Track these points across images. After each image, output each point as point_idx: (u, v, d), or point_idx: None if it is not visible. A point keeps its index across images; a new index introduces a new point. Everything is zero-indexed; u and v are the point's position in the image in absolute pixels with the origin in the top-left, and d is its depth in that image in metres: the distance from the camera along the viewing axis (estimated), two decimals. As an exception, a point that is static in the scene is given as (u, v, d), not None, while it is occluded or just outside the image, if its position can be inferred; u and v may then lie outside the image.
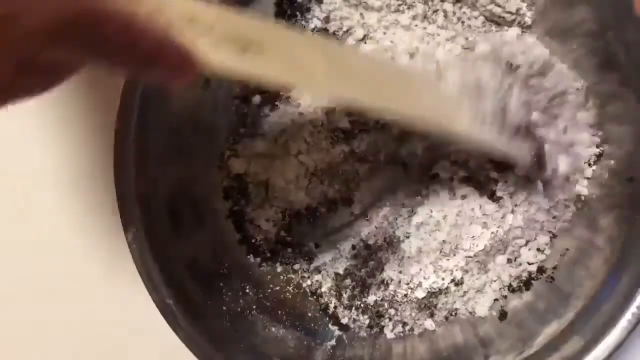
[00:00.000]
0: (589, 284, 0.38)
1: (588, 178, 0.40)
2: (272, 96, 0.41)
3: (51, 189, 0.42)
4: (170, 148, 0.38)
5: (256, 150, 0.41)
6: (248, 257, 0.42)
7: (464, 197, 0.41)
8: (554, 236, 0.40)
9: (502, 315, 0.41)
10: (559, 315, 0.38)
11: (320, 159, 0.40)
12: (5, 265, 0.43)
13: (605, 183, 0.39)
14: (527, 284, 0.41)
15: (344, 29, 0.40)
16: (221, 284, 0.39)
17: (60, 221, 0.43)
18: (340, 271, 0.42)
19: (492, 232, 0.41)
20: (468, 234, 0.41)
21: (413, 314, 0.41)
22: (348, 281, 0.41)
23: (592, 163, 0.40)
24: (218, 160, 0.41)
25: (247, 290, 0.41)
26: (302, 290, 0.42)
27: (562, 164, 0.39)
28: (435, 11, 0.40)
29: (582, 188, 0.40)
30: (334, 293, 0.42)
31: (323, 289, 0.42)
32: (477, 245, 0.41)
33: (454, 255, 0.41)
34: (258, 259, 0.42)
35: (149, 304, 0.35)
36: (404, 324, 0.41)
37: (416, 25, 0.40)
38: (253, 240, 0.42)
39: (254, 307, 0.40)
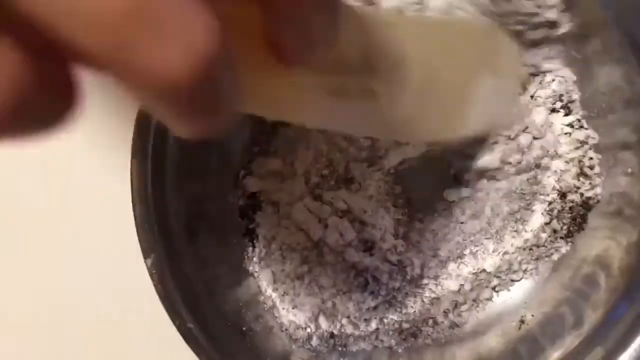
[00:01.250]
0: (610, 292, 0.38)
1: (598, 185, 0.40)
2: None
3: (68, 214, 0.42)
4: (186, 170, 0.37)
5: (269, 169, 0.41)
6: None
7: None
8: (572, 243, 0.40)
9: (520, 323, 0.41)
10: (580, 325, 0.38)
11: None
12: (24, 298, 0.43)
13: (622, 188, 0.39)
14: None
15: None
16: (241, 304, 0.39)
17: (76, 246, 0.43)
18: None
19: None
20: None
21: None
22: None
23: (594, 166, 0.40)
24: (233, 180, 0.41)
25: (265, 309, 0.40)
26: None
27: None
28: None
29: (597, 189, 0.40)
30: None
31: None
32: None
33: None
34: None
35: (170, 329, 0.35)
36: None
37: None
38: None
39: (273, 326, 0.40)
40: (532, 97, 0.40)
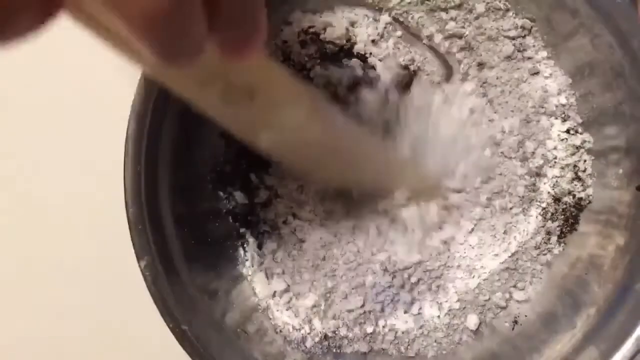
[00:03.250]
0: (602, 292, 0.38)
1: (589, 186, 0.40)
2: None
3: (62, 216, 0.42)
4: (179, 173, 0.38)
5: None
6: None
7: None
8: (565, 244, 0.41)
9: (514, 324, 0.41)
10: (573, 325, 0.38)
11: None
12: (22, 297, 0.43)
13: (613, 190, 0.39)
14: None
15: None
16: (234, 306, 0.39)
17: (71, 248, 0.43)
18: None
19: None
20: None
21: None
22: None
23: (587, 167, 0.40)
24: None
25: (259, 311, 0.41)
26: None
27: None
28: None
29: (588, 190, 0.40)
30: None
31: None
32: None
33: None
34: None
35: (164, 330, 0.35)
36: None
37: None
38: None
39: (267, 328, 0.40)
40: (532, 103, 0.41)
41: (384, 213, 0.40)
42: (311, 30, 0.40)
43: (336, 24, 0.40)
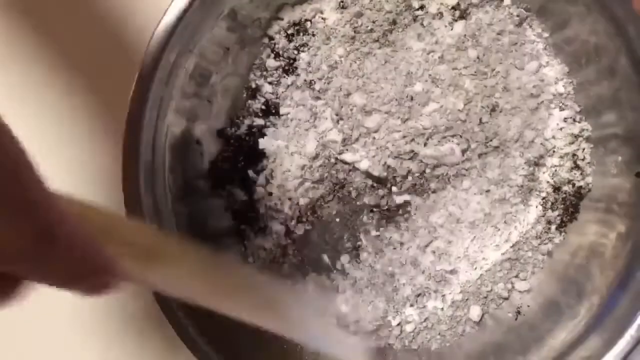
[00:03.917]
0: (604, 280, 0.38)
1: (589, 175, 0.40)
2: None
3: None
4: (177, 172, 0.37)
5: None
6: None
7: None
8: (566, 233, 0.41)
9: (517, 314, 0.41)
10: (576, 314, 0.38)
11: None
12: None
13: (612, 178, 0.39)
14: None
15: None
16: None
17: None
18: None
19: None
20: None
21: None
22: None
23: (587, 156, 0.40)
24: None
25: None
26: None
27: None
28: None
29: (588, 178, 0.40)
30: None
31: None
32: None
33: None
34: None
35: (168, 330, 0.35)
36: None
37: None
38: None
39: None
40: (532, 94, 0.40)
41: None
42: (302, 20, 0.40)
43: (326, 7, 0.40)
